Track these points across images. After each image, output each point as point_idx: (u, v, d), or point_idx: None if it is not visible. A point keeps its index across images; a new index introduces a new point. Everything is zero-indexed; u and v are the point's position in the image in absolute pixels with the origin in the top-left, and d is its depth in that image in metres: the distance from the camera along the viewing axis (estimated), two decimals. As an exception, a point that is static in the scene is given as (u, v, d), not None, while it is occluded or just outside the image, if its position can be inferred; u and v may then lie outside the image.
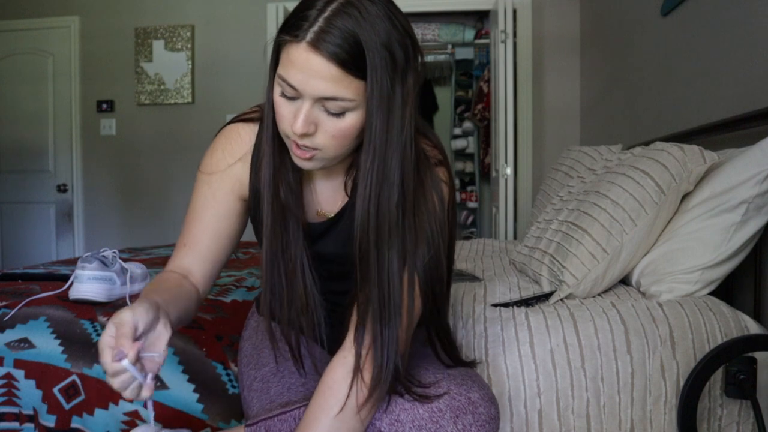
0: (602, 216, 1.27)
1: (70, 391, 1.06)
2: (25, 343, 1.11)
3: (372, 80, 0.69)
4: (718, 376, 1.10)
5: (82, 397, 1.05)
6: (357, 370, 0.76)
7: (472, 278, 1.54)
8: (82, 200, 3.79)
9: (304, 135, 0.73)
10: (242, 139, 0.89)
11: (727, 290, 1.36)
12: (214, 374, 1.08)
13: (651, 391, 1.08)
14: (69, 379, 1.06)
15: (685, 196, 1.28)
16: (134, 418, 1.02)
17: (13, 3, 3.78)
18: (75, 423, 1.04)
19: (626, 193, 1.26)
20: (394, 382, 0.78)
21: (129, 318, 0.64)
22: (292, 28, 0.69)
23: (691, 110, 1.82)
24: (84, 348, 1.09)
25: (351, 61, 0.68)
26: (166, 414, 1.02)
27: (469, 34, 4.21)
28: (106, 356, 0.62)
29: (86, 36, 3.73)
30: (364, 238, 0.76)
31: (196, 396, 1.04)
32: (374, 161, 0.73)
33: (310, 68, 0.68)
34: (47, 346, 1.10)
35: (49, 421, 1.05)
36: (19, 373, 1.08)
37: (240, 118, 0.91)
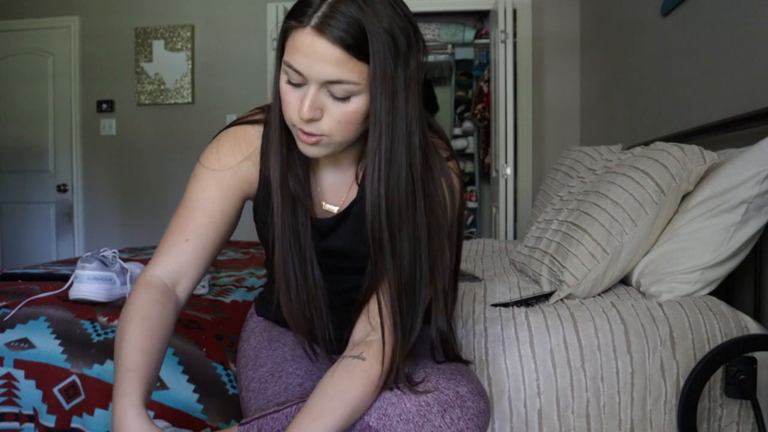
0: (602, 216, 1.27)
1: (70, 391, 1.06)
2: (25, 343, 1.11)
3: (375, 64, 0.71)
4: (718, 376, 1.10)
5: (82, 397, 1.05)
6: (390, 355, 0.78)
7: (472, 278, 1.53)
8: (82, 200, 3.79)
9: (311, 120, 0.74)
10: (251, 138, 0.90)
11: (727, 290, 1.36)
12: (214, 374, 1.08)
13: (651, 391, 1.08)
14: (69, 379, 1.06)
15: (685, 196, 1.28)
16: (134, 418, 1.02)
17: (13, 3, 3.78)
18: (75, 423, 1.04)
19: (626, 193, 1.26)
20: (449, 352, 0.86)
21: None
22: (296, 14, 0.72)
23: (691, 110, 1.82)
24: (84, 348, 1.09)
25: (355, 45, 0.70)
26: (166, 414, 1.02)
27: (469, 34, 4.21)
28: None
29: (86, 36, 3.73)
30: (375, 221, 0.77)
31: (196, 396, 1.04)
32: (381, 142, 0.75)
33: (314, 52, 0.70)
34: (47, 346, 1.10)
35: (49, 421, 1.05)
36: (19, 373, 1.08)
37: (244, 121, 0.91)
